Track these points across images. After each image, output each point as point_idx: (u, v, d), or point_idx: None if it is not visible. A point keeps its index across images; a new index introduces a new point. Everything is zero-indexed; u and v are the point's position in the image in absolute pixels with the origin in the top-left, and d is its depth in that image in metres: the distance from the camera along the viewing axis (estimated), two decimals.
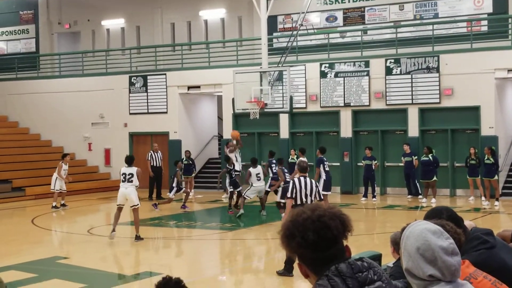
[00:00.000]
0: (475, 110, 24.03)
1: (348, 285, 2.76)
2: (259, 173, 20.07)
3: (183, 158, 26.67)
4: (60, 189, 23.45)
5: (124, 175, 16.24)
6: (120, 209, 16.38)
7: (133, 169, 16.26)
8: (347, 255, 2.86)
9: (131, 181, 16.10)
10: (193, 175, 26.26)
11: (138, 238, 16.09)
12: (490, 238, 4.33)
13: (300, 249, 2.81)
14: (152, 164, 26.00)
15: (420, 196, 23.42)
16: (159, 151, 26.55)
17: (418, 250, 2.94)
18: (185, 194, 22.38)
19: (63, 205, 23.51)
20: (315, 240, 2.78)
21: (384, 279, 2.83)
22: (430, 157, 22.79)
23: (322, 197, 12.61)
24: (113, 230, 16.16)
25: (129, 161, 16.75)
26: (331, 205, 2.92)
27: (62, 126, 31.75)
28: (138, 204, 16.18)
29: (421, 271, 2.91)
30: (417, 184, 23.73)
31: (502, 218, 20.32)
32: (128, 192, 16.09)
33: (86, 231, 18.34)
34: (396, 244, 5.83)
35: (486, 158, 21.96)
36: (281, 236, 2.89)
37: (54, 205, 23.31)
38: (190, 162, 25.95)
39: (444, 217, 4.21)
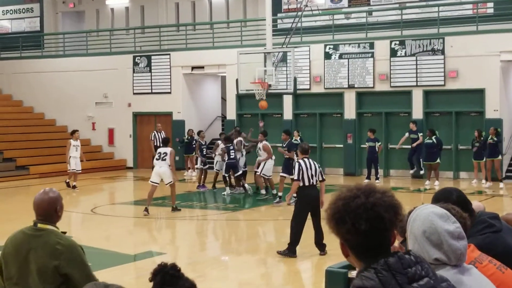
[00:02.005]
0: (480, 92, 23.97)
1: (397, 281, 2.58)
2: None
3: (185, 137, 26.73)
4: (73, 169, 23.10)
5: (159, 154, 17.46)
6: (154, 186, 17.33)
7: (168, 149, 17.46)
8: (392, 241, 2.69)
9: (165, 160, 17.22)
10: (194, 154, 26.27)
11: (175, 209, 17.61)
12: (496, 222, 4.34)
13: (349, 235, 2.65)
14: (155, 144, 26.02)
15: (412, 171, 23.66)
16: (163, 131, 26.59)
17: (424, 233, 2.94)
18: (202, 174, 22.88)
19: (74, 186, 23.10)
20: (366, 230, 2.60)
21: (431, 274, 2.67)
22: (434, 139, 22.76)
23: (324, 178, 12.80)
24: (147, 209, 17.03)
25: (165, 141, 18.58)
26: (385, 189, 2.72)
27: (66, 106, 31.76)
28: (172, 181, 17.26)
29: (427, 255, 2.91)
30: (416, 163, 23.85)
31: (505, 201, 20.33)
32: (163, 171, 17.24)
33: (90, 210, 18.41)
34: (400, 227, 5.79)
35: (489, 138, 21.92)
36: (329, 218, 2.71)
37: (67, 181, 23.13)
38: (193, 141, 25.94)
39: (454, 197, 4.22)
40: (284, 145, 19.75)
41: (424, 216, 2.97)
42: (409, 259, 2.65)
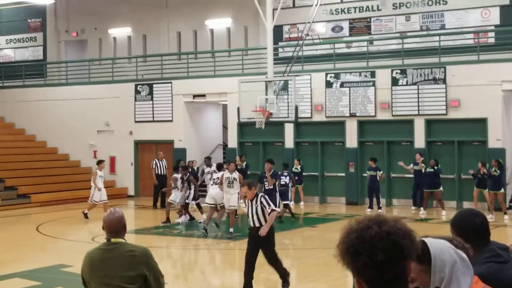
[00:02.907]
0: (482, 122, 23.96)
1: None
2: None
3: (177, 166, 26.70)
4: (100, 200, 22.14)
5: (213, 179, 19.76)
6: (213, 209, 19.06)
7: (219, 174, 19.52)
8: (408, 273, 2.51)
9: (217, 183, 19.29)
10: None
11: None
12: (504, 253, 4.29)
13: (365, 268, 2.45)
14: (157, 172, 26.02)
15: (421, 208, 23.14)
16: (164, 159, 26.58)
17: (455, 264, 2.91)
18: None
19: (86, 216, 22.26)
20: (383, 261, 2.42)
21: None
22: (435, 169, 22.57)
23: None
24: (206, 228, 18.36)
25: (219, 166, 20.68)
26: (396, 217, 2.57)
27: (68, 134, 31.80)
28: (222, 203, 19.01)
29: (456, 285, 2.88)
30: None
31: (510, 231, 20.19)
32: (216, 193, 19.26)
33: (91, 239, 18.33)
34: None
35: (493, 170, 21.69)
36: (343, 253, 2.50)
37: (85, 212, 22.38)
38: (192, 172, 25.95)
39: (477, 222, 4.18)
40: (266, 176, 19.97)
41: (447, 248, 2.94)
42: None
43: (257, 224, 11.66)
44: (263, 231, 11.49)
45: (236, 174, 18.94)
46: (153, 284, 5.58)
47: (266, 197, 12.08)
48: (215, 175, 20.10)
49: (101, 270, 5.57)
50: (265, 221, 11.66)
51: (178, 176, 21.58)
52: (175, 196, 21.39)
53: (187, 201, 21.35)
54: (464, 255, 2.94)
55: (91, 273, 5.62)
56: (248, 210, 11.82)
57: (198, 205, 21.65)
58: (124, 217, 5.74)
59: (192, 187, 21.34)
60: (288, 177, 21.95)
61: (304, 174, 25.65)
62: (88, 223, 21.78)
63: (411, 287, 2.62)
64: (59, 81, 34.22)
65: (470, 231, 4.08)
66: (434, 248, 2.88)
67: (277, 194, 19.43)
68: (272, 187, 19.31)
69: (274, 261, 11.81)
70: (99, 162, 23.19)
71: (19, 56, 36.60)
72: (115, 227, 5.65)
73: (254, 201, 11.69)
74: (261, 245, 11.65)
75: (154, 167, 26.26)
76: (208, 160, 24.57)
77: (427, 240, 2.95)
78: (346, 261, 2.50)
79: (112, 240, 5.63)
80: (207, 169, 23.59)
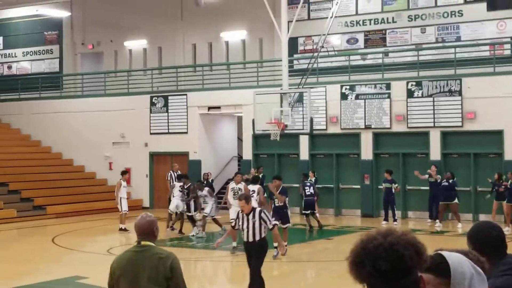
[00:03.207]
0: (498, 134, 23.84)
1: None
2: None
3: (202, 180, 26.74)
4: (126, 211, 22.34)
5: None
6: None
7: (256, 187, 18.61)
8: (423, 287, 2.56)
9: (252, 196, 18.64)
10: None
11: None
12: None
13: (371, 278, 2.52)
14: (171, 183, 26.01)
15: (436, 221, 22.99)
16: (179, 171, 26.59)
17: (473, 276, 2.91)
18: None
19: (125, 229, 22.10)
20: (387, 270, 2.48)
21: None
22: (450, 182, 22.43)
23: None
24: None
25: (255, 179, 19.50)
26: (405, 231, 2.61)
27: (84, 145, 31.94)
28: None
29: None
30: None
31: None
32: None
33: (106, 250, 18.37)
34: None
35: (510, 183, 21.52)
36: (350, 263, 2.58)
37: (123, 227, 22.20)
38: (208, 183, 26.03)
39: (494, 234, 4.16)
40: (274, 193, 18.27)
41: (464, 261, 2.92)
42: None
43: (250, 239, 11.49)
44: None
45: (242, 185, 18.73)
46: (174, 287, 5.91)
47: (266, 212, 11.93)
48: (251, 187, 19.74)
49: (131, 271, 5.92)
50: (261, 236, 11.49)
51: (178, 184, 21.64)
52: (174, 206, 21.53)
53: (189, 213, 21.30)
54: (479, 269, 2.92)
55: (121, 274, 5.94)
56: (243, 224, 11.52)
57: (215, 220, 21.40)
58: (156, 222, 6.08)
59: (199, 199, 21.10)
60: (311, 187, 22.10)
61: (318, 186, 25.60)
62: (105, 234, 21.81)
63: None
64: (75, 93, 34.41)
65: (487, 244, 4.06)
66: (452, 261, 2.86)
67: (288, 211, 18.16)
68: (282, 204, 17.99)
69: (257, 276, 11.42)
70: (124, 173, 23.26)
71: (35, 69, 36.85)
72: (145, 230, 6.01)
73: (251, 215, 11.44)
74: (253, 255, 11.53)
75: (169, 178, 26.28)
76: (199, 184, 22.17)
77: (444, 253, 2.93)
78: (353, 271, 2.57)
79: (142, 242, 5.98)
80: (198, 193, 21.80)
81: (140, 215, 6.16)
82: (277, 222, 15.95)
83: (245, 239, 11.52)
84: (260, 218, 11.43)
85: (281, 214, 17.57)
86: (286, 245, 16.87)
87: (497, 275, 4.05)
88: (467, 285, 2.84)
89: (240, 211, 11.65)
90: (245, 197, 11.71)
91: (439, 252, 2.94)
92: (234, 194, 18.24)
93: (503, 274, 4.11)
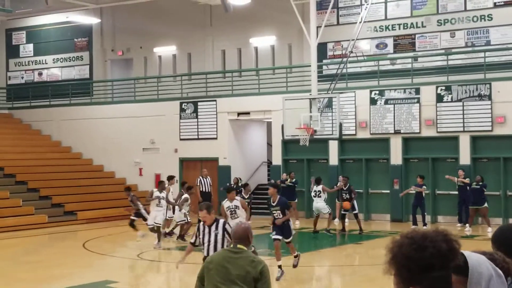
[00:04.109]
0: None
1: None
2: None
3: (232, 185, 26.92)
4: (183, 220, 21.27)
5: (314, 192, 22.30)
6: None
7: (320, 187, 22.02)
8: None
9: (320, 196, 21.94)
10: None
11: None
12: None
13: (433, 259, 2.63)
14: (201, 189, 26.15)
15: (466, 225, 22.92)
16: (209, 177, 26.72)
17: (492, 278, 2.94)
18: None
19: (169, 233, 21.83)
20: (446, 253, 2.65)
21: None
22: (480, 185, 22.40)
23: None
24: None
25: (317, 180, 22.08)
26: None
27: (114, 151, 32.20)
28: (329, 211, 21.87)
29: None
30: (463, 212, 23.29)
31: None
32: (320, 206, 22.04)
33: (136, 255, 18.50)
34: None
35: None
36: (405, 251, 2.66)
37: (167, 231, 21.91)
38: (238, 188, 26.14)
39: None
40: (273, 203, 15.32)
41: (484, 262, 2.95)
42: None
43: (212, 253, 9.69)
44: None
45: (237, 202, 15.67)
46: None
47: (231, 225, 10.20)
48: (315, 188, 20.45)
49: (224, 266, 6.61)
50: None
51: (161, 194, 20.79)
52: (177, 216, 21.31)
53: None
54: (500, 272, 2.95)
55: (215, 267, 6.63)
56: (203, 238, 10.09)
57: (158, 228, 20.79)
58: (251, 229, 6.93)
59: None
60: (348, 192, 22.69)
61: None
62: (132, 239, 21.95)
63: None
64: (105, 99, 34.69)
65: (511, 246, 4.07)
66: (472, 260, 2.91)
67: (291, 223, 15.51)
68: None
69: None
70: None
71: (66, 75, 37.20)
72: (241, 235, 6.81)
73: (213, 227, 10.04)
74: None
75: (198, 184, 26.41)
76: (162, 184, 21.40)
77: (465, 252, 2.98)
78: (411, 260, 2.65)
79: (238, 246, 6.75)
80: (156, 193, 20.83)
81: (237, 223, 7.05)
82: (279, 237, 14.93)
83: (205, 254, 9.96)
84: (224, 230, 10.03)
85: (282, 227, 15.18)
86: (297, 255, 15.19)
87: None
88: (483, 286, 2.88)
89: (201, 223, 10.23)
90: (206, 207, 10.17)
91: (461, 251, 2.99)
92: (231, 214, 15.39)
93: None
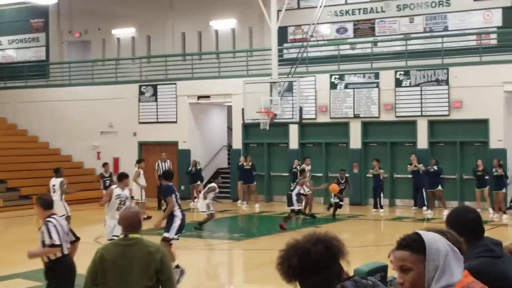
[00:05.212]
0: (484, 123, 23.99)
1: None
2: None
3: (190, 168, 26.97)
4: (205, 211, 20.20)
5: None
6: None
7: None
8: (344, 277, 2.96)
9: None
10: (199, 183, 26.48)
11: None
12: (498, 248, 4.35)
13: (290, 276, 2.95)
14: (159, 173, 26.00)
15: (424, 208, 23.35)
16: (168, 161, 26.57)
17: (448, 254, 2.97)
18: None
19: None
20: (298, 266, 2.92)
21: None
22: (436, 168, 22.86)
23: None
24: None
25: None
26: (327, 232, 3.05)
27: (71, 135, 31.82)
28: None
29: (449, 274, 2.94)
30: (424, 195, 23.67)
31: (510, 230, 20.23)
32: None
33: (93, 240, 18.35)
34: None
35: (494, 170, 22.03)
36: (276, 265, 3.03)
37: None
38: (196, 171, 26.39)
39: (470, 218, 4.35)
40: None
41: (440, 239, 3.00)
42: (366, 282, 2.90)
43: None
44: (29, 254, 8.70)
45: (127, 191, 14.23)
46: (165, 280, 5.90)
47: (51, 225, 8.54)
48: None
49: (121, 264, 5.81)
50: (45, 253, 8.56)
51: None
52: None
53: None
54: (455, 248, 3.01)
55: (111, 266, 5.83)
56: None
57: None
58: (140, 212, 6.04)
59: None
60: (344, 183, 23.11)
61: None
62: (92, 224, 21.77)
63: (408, 276, 2.87)
64: (62, 82, 34.22)
65: (464, 227, 4.18)
66: (428, 238, 2.98)
67: (175, 219, 13.35)
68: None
69: None
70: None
71: (21, 57, 36.62)
72: (132, 222, 5.93)
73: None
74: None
75: (157, 168, 26.25)
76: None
77: (420, 231, 3.05)
78: (279, 272, 3.05)
79: (130, 235, 5.90)
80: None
81: (124, 207, 6.19)
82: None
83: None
84: (42, 232, 8.53)
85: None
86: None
87: (473, 257, 4.14)
88: (442, 262, 2.93)
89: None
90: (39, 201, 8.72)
91: (416, 231, 3.07)
92: (120, 204, 13.50)
93: (479, 256, 4.21)
